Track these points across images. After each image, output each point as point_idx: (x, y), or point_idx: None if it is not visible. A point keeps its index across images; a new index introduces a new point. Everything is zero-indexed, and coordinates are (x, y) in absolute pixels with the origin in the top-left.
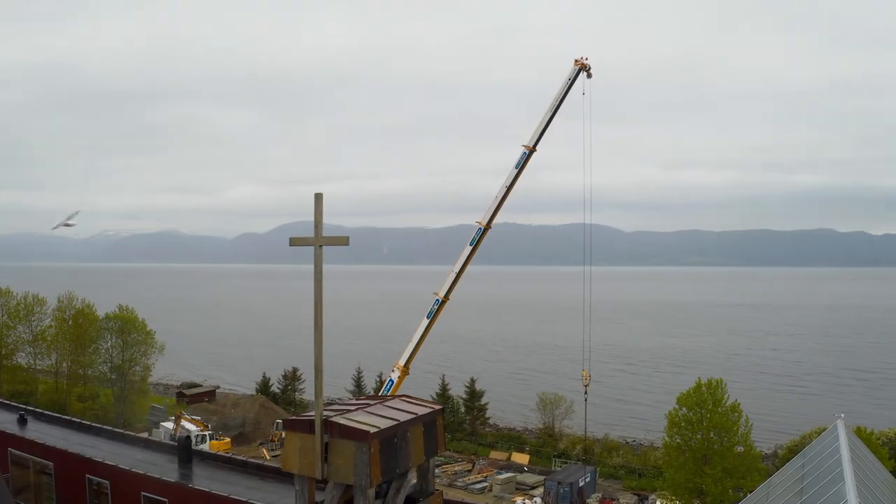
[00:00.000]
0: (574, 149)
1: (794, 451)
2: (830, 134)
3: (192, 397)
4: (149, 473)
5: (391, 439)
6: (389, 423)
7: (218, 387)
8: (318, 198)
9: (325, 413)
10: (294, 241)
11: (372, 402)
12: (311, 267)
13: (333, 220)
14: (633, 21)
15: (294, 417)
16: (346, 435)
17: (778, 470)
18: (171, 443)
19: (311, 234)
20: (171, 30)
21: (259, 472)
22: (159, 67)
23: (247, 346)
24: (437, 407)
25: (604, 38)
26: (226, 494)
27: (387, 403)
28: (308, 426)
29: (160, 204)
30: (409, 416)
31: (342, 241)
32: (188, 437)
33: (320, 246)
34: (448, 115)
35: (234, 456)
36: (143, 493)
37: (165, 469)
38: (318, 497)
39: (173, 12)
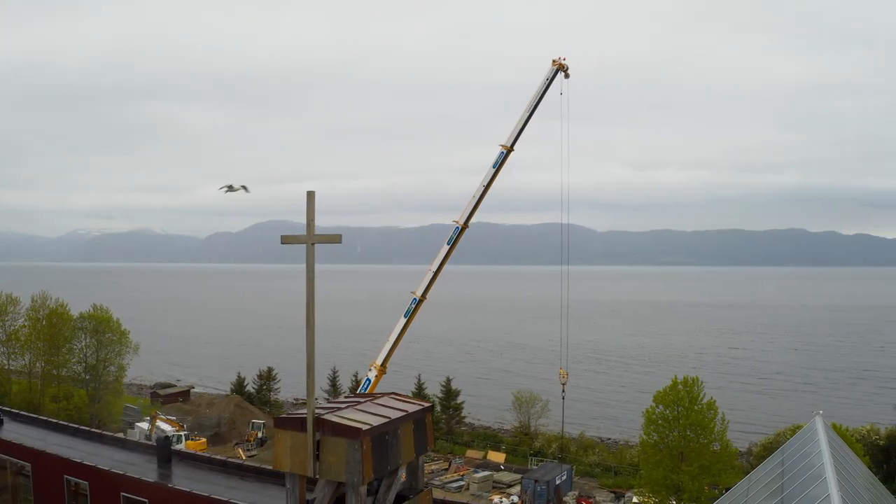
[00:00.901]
0: (547, 148)
1: (769, 448)
2: (802, 134)
3: (167, 397)
4: (128, 474)
5: (383, 437)
6: (381, 420)
7: (192, 387)
8: (311, 196)
9: (316, 411)
10: (285, 239)
11: (362, 400)
12: (285, 266)
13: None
14: (607, 21)
15: (284, 416)
16: (339, 432)
17: (754, 467)
18: (150, 443)
19: (285, 232)
20: (142, 28)
21: (239, 472)
22: (131, 65)
23: (220, 346)
24: (427, 404)
25: (578, 39)
26: (207, 494)
27: (377, 401)
28: (299, 424)
29: (132, 203)
30: (400, 414)
31: (335, 238)
32: (167, 438)
33: (312, 244)
34: (421, 115)
35: (213, 456)
36: (122, 493)
37: (145, 469)
38: (308, 495)
39: (144, 10)
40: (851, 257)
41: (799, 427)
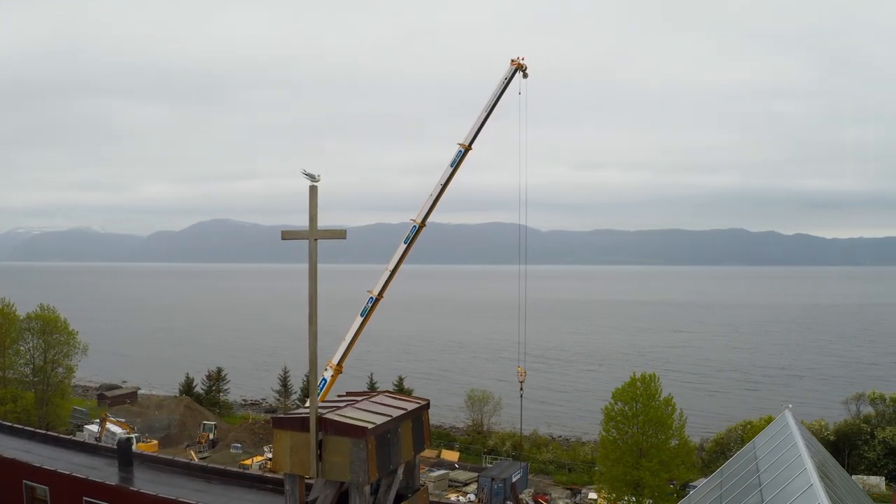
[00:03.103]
0: (491, 149)
1: (720, 444)
2: (741, 136)
3: (114, 399)
4: (90, 478)
5: (385, 435)
6: (383, 419)
7: (138, 388)
8: (313, 190)
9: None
10: (286, 235)
11: (359, 399)
12: (230, 266)
13: (249, 219)
14: (551, 22)
15: (283, 415)
16: (342, 432)
17: (707, 463)
18: (111, 446)
19: (228, 230)
20: (80, 22)
21: (204, 475)
22: (67, 60)
23: (165, 346)
24: (424, 402)
25: (522, 39)
26: (173, 497)
27: (373, 399)
28: (300, 424)
29: (73, 201)
30: (400, 412)
31: (339, 234)
32: (129, 440)
33: (315, 240)
34: (364, 114)
35: (176, 458)
36: (84, 497)
37: (106, 473)
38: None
39: (82, 3)
40: (792, 257)
41: (749, 423)
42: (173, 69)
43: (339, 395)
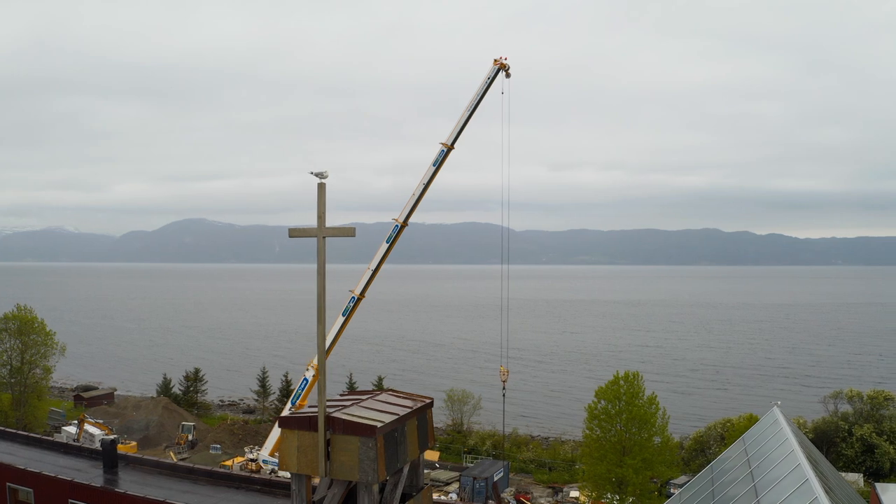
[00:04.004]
0: (465, 148)
1: (700, 441)
2: (714, 137)
3: (91, 400)
4: (75, 479)
5: (393, 434)
6: (391, 417)
7: (115, 389)
8: (321, 188)
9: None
10: (294, 233)
11: (364, 398)
12: (204, 266)
13: (223, 218)
14: (528, 23)
15: (289, 415)
16: (351, 430)
17: (686, 461)
18: (95, 447)
19: (202, 230)
20: (54, 20)
21: (190, 475)
22: (40, 58)
23: (140, 347)
24: (428, 399)
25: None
26: (161, 499)
27: (377, 398)
28: (307, 423)
29: (45, 200)
30: (406, 410)
31: (348, 232)
32: (114, 441)
33: (323, 237)
34: (339, 113)
35: (161, 459)
36: (70, 499)
37: (91, 475)
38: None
39: (55, 1)
40: (765, 256)
41: (730, 421)
42: (147, 68)
43: (341, 394)
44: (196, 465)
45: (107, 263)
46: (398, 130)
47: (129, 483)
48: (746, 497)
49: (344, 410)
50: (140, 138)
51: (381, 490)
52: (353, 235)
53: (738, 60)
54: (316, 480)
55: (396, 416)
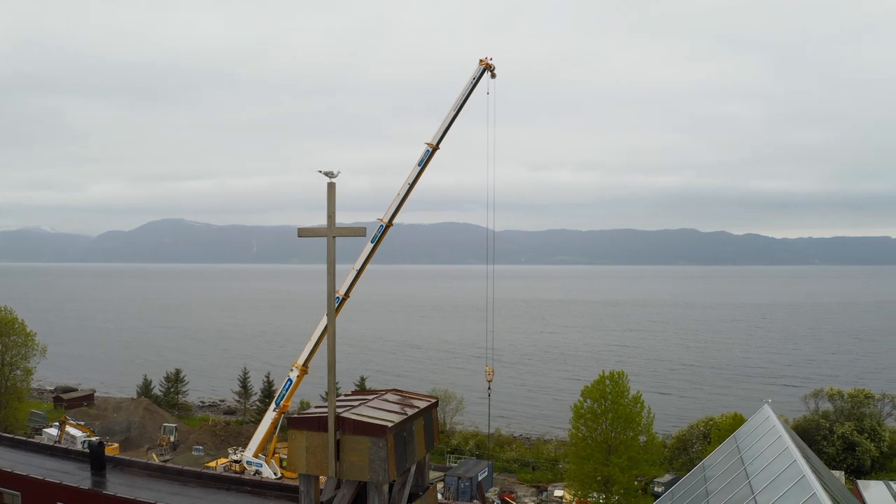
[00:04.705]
0: (447, 148)
1: (682, 440)
2: (692, 137)
3: (71, 402)
4: (63, 482)
5: (402, 434)
6: (400, 417)
7: (94, 390)
8: (331, 187)
9: (325, 410)
10: (303, 232)
11: (370, 397)
12: (181, 266)
13: (201, 218)
14: (508, 22)
15: (298, 415)
16: (361, 430)
17: (669, 459)
18: (83, 450)
19: (179, 231)
20: (29, 18)
21: (179, 477)
22: (17, 57)
23: (117, 347)
24: (433, 399)
25: (479, 39)
26: (151, 501)
27: (383, 397)
28: (316, 423)
29: (21, 200)
30: (414, 410)
31: (358, 231)
32: (101, 443)
33: (333, 237)
34: (317, 113)
35: (149, 461)
36: (58, 503)
37: (79, 477)
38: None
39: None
40: (742, 256)
41: (712, 419)
42: (125, 67)
43: (346, 394)
44: (185, 467)
45: (84, 264)
46: (376, 130)
47: (117, 485)
48: (742, 494)
49: (352, 410)
50: (117, 138)
51: (389, 490)
52: (364, 235)
53: (715, 62)
54: (321, 480)
55: (405, 416)
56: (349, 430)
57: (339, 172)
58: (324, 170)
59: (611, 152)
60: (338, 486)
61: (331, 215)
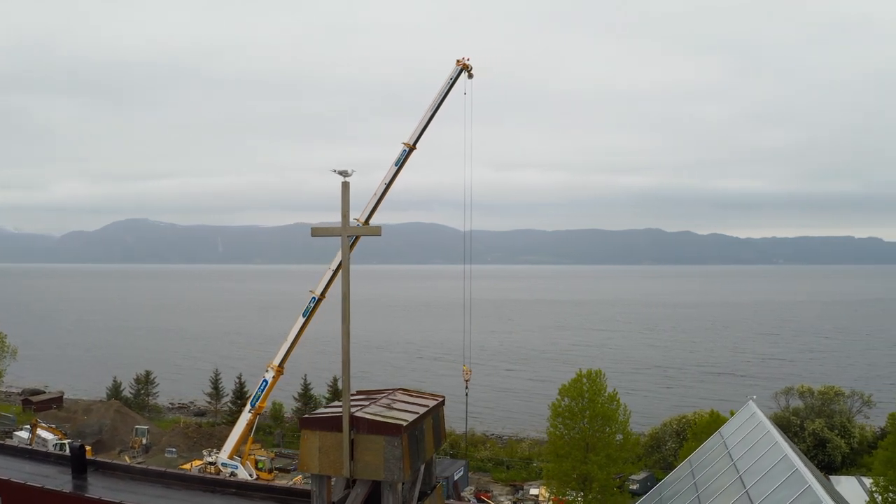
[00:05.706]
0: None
1: (655, 438)
2: (657, 138)
3: (40, 404)
4: (45, 486)
5: (414, 433)
6: (412, 416)
7: (63, 392)
8: (346, 186)
9: (338, 410)
10: (317, 232)
11: (379, 397)
12: (145, 267)
13: (165, 218)
14: (474, 21)
15: (310, 415)
16: (376, 430)
17: (641, 456)
18: (63, 453)
19: (144, 230)
20: None
21: (162, 479)
22: None
23: (83, 349)
24: (440, 398)
25: (445, 38)
26: None
27: (392, 397)
28: (330, 423)
29: None
30: (424, 409)
31: (374, 231)
32: (82, 446)
33: (348, 236)
34: (281, 113)
35: (132, 464)
36: None
37: (60, 481)
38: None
39: None
40: (706, 256)
41: (684, 417)
42: (87, 64)
43: (353, 394)
44: (168, 469)
45: (48, 264)
46: (343, 130)
47: (100, 489)
48: (733, 488)
49: (364, 410)
50: (80, 136)
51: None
52: (379, 234)
53: (678, 63)
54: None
55: (417, 415)
56: (364, 430)
57: (353, 171)
58: (338, 168)
59: (576, 152)
60: (348, 486)
61: (345, 214)
